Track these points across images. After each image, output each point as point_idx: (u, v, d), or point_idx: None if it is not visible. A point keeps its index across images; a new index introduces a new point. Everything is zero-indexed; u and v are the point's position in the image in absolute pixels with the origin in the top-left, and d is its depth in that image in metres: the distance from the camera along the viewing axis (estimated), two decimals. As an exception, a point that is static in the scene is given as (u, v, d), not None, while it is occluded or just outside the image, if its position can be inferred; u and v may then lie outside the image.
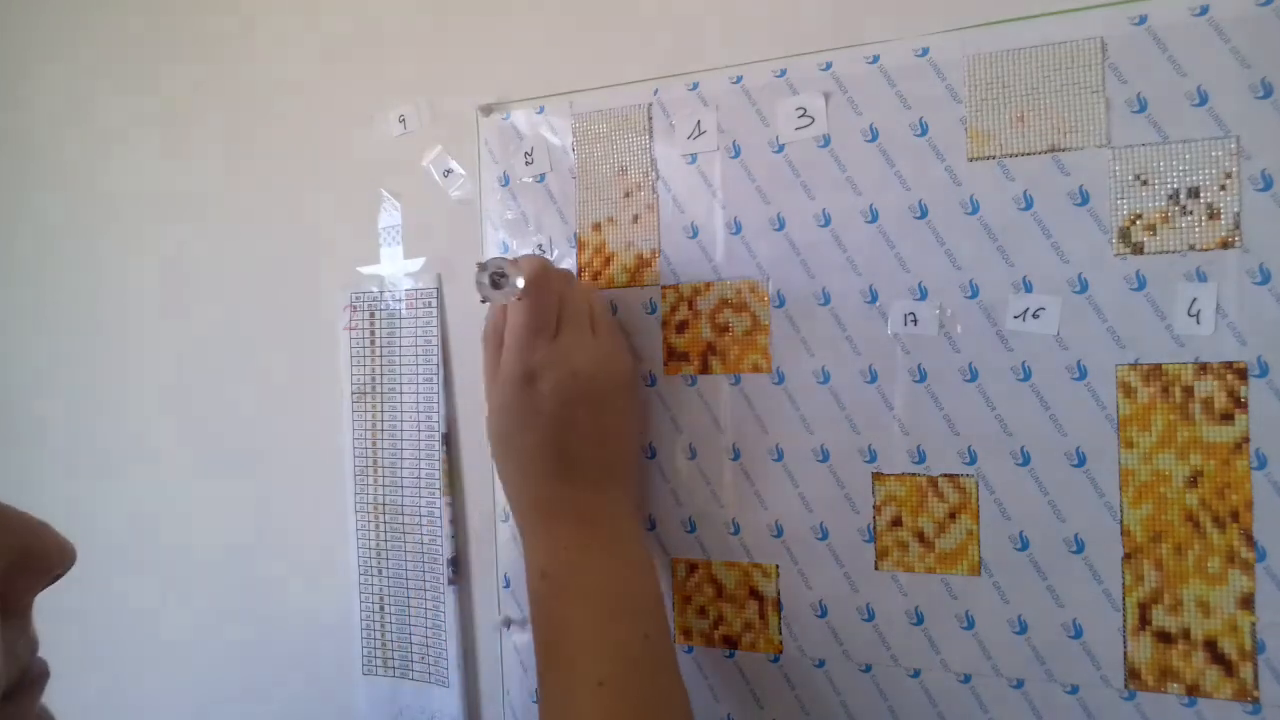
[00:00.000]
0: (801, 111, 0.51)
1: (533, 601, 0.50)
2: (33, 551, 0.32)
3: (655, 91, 0.55)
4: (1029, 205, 0.47)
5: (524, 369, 0.49)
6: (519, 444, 0.50)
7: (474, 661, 0.62)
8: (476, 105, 0.60)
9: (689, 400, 0.55)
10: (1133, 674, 0.45)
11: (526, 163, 0.59)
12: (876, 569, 0.50)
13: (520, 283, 0.47)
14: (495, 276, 0.47)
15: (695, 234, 0.54)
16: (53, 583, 0.33)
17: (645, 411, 0.55)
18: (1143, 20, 0.44)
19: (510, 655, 0.60)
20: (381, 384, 0.64)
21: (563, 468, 0.49)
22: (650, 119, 0.55)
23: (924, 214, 0.49)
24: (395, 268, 0.64)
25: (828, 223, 0.51)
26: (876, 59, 0.50)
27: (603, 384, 0.49)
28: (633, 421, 0.53)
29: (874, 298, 0.50)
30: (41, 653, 0.33)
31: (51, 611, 0.37)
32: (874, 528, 0.50)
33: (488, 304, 0.49)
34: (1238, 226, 0.43)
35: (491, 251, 0.60)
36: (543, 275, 0.49)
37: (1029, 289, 0.47)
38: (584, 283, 0.55)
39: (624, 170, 0.56)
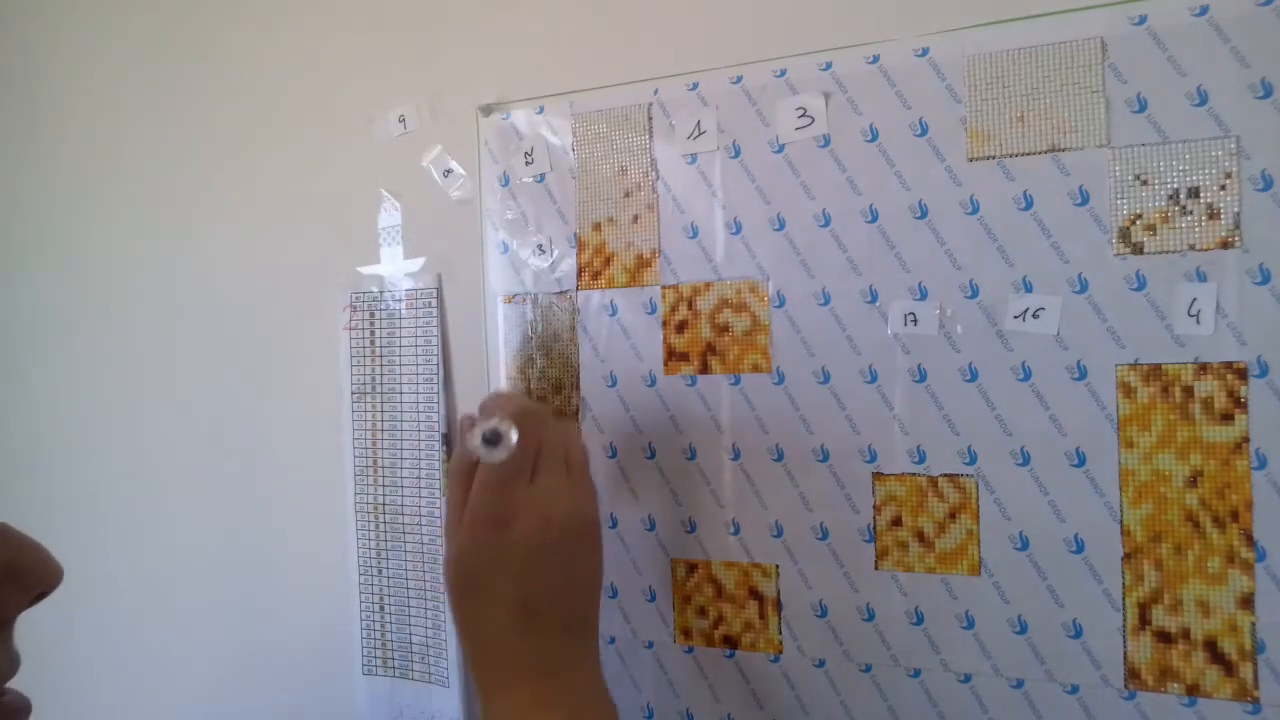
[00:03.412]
0: (801, 111, 0.51)
1: None
2: (20, 568, 0.32)
3: (655, 91, 0.55)
4: (1029, 205, 0.47)
5: (495, 513, 0.46)
6: (485, 592, 0.46)
7: (474, 661, 0.62)
8: (476, 105, 0.60)
9: (689, 400, 0.55)
10: (1133, 674, 0.45)
11: (526, 163, 0.59)
12: (876, 569, 0.50)
13: (515, 437, 0.45)
14: (489, 434, 0.45)
15: (695, 234, 0.54)
16: (36, 601, 0.33)
17: (603, 558, 0.52)
18: (1143, 20, 0.44)
19: (510, 655, 0.60)
20: (381, 384, 0.64)
21: (528, 617, 0.46)
22: (650, 119, 0.55)
23: (924, 214, 0.49)
24: (395, 268, 0.64)
25: (828, 223, 0.51)
26: (876, 59, 0.50)
27: (575, 531, 0.47)
28: (598, 569, 0.50)
29: (874, 298, 0.50)
30: (44, 653, 0.33)
31: (52, 611, 0.37)
32: (874, 528, 0.50)
33: (472, 446, 0.46)
34: (1238, 226, 0.43)
35: (491, 251, 0.60)
36: (525, 421, 0.46)
37: (1029, 289, 0.47)
38: (562, 422, 0.53)
39: (624, 170, 0.56)
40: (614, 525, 0.57)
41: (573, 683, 0.47)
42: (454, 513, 0.48)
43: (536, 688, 0.46)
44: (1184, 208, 0.44)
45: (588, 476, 0.50)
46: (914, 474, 0.49)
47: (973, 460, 0.48)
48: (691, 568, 0.55)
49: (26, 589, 0.33)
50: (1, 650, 0.32)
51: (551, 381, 0.58)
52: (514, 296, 0.59)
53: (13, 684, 0.33)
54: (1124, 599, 0.45)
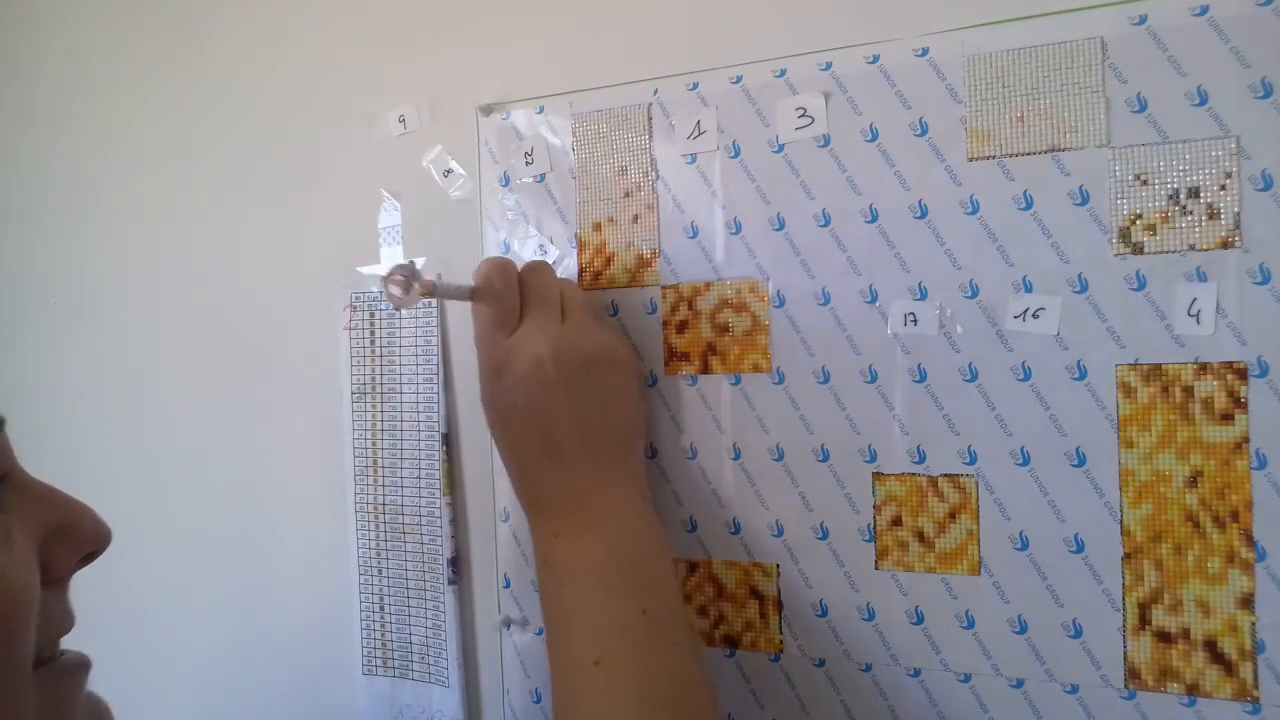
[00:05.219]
0: (801, 111, 0.51)
1: (539, 590, 0.50)
2: (71, 525, 0.35)
3: (655, 91, 0.55)
4: (1029, 205, 0.47)
5: (493, 362, 0.49)
6: (508, 433, 0.50)
7: (474, 661, 0.62)
8: (476, 105, 0.60)
9: (689, 400, 0.55)
10: (1132, 674, 0.45)
11: (526, 163, 0.59)
12: (876, 569, 0.50)
13: (417, 287, 0.48)
14: (397, 282, 0.48)
15: (695, 234, 0.54)
16: (88, 561, 0.36)
17: (640, 385, 0.55)
18: (1143, 20, 0.44)
19: (510, 655, 0.60)
20: (381, 384, 0.64)
21: (549, 451, 0.49)
22: (650, 119, 0.55)
23: (924, 214, 0.49)
24: (395, 268, 0.64)
25: (828, 223, 0.51)
26: (876, 59, 0.50)
27: (572, 365, 0.48)
28: (620, 399, 0.51)
29: (874, 298, 0.50)
30: None
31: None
32: (874, 527, 0.50)
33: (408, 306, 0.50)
34: (1238, 226, 0.43)
35: (491, 251, 0.60)
36: (493, 274, 0.50)
37: (1029, 289, 0.47)
38: (559, 278, 0.54)
39: (624, 170, 0.56)
40: (614, 525, 0.57)
41: (603, 512, 0.49)
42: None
43: (566, 517, 0.49)
44: (1184, 208, 0.44)
45: (586, 315, 0.52)
46: (914, 474, 0.49)
47: (973, 460, 0.48)
48: (692, 567, 0.55)
49: (79, 546, 0.35)
50: (58, 606, 0.35)
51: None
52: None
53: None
54: (1124, 599, 0.45)
